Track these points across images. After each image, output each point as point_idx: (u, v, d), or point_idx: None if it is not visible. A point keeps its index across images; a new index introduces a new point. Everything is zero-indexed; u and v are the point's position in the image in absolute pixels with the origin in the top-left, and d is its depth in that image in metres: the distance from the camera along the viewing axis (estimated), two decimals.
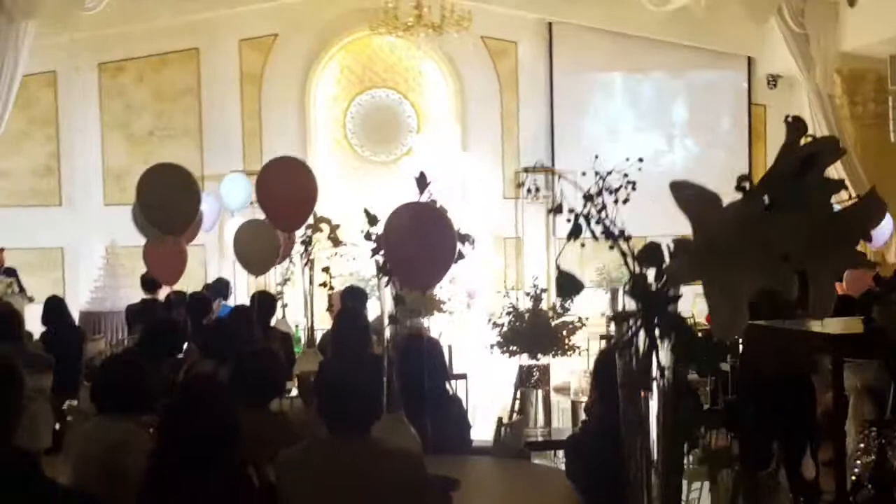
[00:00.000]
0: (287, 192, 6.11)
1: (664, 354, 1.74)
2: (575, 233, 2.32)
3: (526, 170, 15.30)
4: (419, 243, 4.13)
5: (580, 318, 5.96)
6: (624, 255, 1.99)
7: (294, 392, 6.87)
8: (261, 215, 13.17)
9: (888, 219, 11.38)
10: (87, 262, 14.07)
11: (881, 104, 13.85)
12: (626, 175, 2.67)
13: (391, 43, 14.99)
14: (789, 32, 13.84)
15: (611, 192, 2.84)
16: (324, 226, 7.46)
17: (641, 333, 1.80)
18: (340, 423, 3.66)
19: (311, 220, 7.76)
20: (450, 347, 8.53)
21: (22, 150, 14.72)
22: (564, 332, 5.79)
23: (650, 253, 1.82)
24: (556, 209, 2.31)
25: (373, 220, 4.94)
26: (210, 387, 3.86)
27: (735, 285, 1.58)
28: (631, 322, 1.82)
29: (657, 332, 1.76)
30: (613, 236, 2.13)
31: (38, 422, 7.12)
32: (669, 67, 15.72)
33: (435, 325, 8.68)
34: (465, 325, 10.14)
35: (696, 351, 1.72)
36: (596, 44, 15.49)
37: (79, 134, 14.88)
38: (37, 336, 9.47)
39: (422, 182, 4.15)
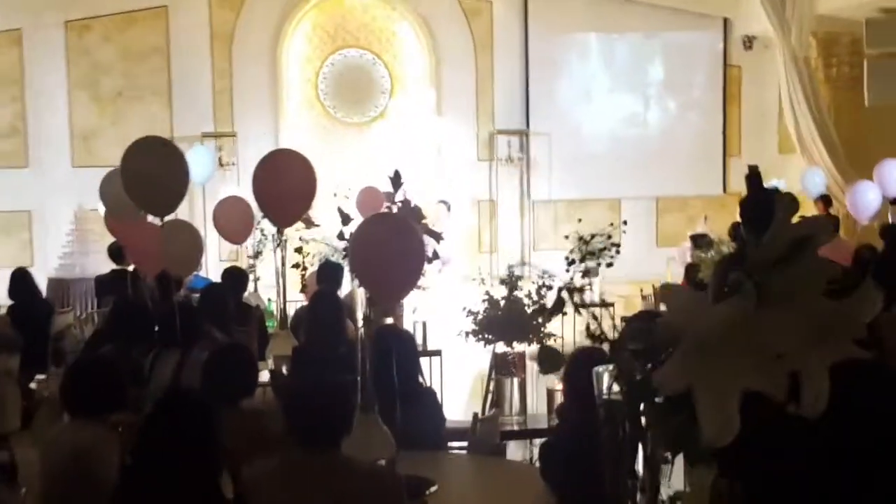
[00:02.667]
0: (286, 189, 5.95)
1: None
2: (558, 307, 2.23)
3: (500, 132, 15.20)
4: (387, 263, 4.03)
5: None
6: (601, 337, 1.88)
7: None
8: (227, 182, 13.25)
9: (876, 191, 11.37)
10: (56, 227, 13.86)
11: (856, 67, 13.81)
12: (609, 237, 2.58)
13: (364, 2, 14.79)
14: None
15: (594, 255, 2.75)
16: None
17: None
18: (310, 441, 3.60)
19: None
20: (424, 325, 8.48)
21: None
22: (540, 320, 5.73)
23: (637, 333, 1.74)
24: None
25: (345, 219, 4.83)
26: (190, 402, 3.78)
27: (726, 388, 1.51)
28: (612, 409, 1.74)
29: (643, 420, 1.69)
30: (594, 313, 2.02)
31: (5, 404, 7.03)
32: (645, 28, 15.58)
33: (409, 302, 8.65)
34: (439, 293, 10.07)
35: (685, 442, 1.65)
36: (571, 4, 15.33)
37: (45, 94, 14.57)
38: (3, 307, 9.36)
39: (396, 181, 4.05)
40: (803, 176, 12.96)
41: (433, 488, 4.29)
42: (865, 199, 11.29)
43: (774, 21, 13.88)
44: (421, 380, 5.27)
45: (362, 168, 13.90)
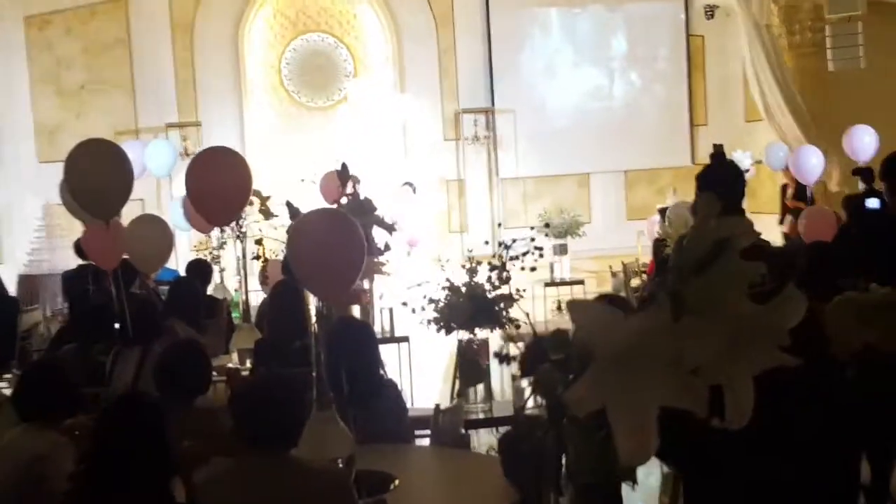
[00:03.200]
0: (218, 187, 5.91)
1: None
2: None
3: (466, 110, 15.17)
4: (323, 260, 4.00)
5: (518, 290, 5.88)
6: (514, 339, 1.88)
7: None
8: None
9: (818, 155, 11.41)
10: (24, 223, 13.77)
11: (818, 33, 13.80)
12: (532, 240, 2.56)
13: None
14: None
15: (515, 259, 2.75)
16: (254, 199, 7.29)
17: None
18: (259, 443, 3.59)
19: None
20: (391, 311, 8.46)
21: None
22: (502, 305, 5.72)
23: (559, 343, 1.74)
24: None
25: (293, 213, 4.80)
26: (141, 406, 3.76)
27: (642, 406, 1.50)
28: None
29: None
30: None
31: None
32: (606, 1, 15.56)
33: (376, 287, 8.63)
34: (407, 277, 10.04)
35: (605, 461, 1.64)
36: None
37: (7, 89, 14.45)
38: None
39: (343, 174, 4.02)
40: (767, 150, 12.97)
41: (395, 483, 4.28)
42: (809, 164, 11.34)
43: None
44: (382, 372, 5.24)
45: (328, 152, 13.83)
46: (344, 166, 4.36)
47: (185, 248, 12.69)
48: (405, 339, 8.30)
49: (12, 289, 12.12)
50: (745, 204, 13.42)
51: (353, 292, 7.85)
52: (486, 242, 7.35)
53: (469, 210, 15.23)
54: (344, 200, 6.50)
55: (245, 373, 6.40)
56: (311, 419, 3.98)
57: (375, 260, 8.40)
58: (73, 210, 7.19)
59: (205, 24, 14.79)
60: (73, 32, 14.63)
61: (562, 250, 12.27)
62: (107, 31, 14.67)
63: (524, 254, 5.52)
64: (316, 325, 4.39)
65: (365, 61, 15.25)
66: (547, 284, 12.10)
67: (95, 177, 6.24)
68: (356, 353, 4.99)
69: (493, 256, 5.86)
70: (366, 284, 8.27)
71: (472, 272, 5.82)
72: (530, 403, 1.74)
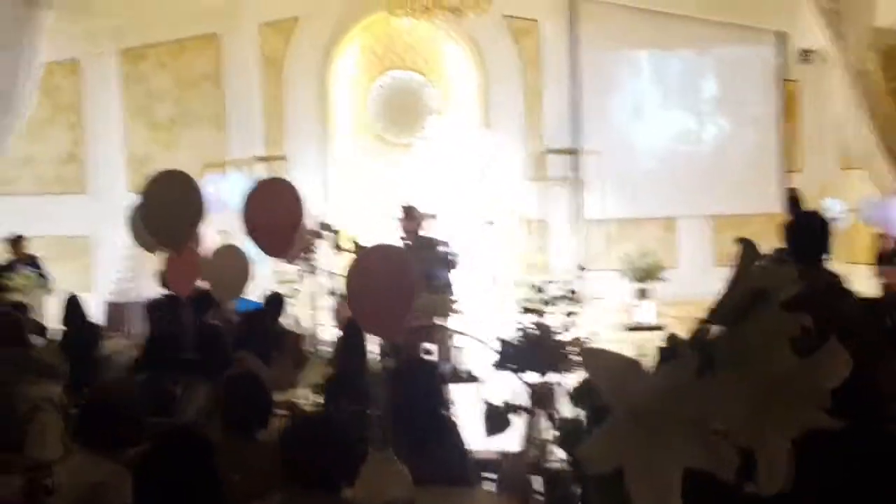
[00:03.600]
0: (271, 219, 5.92)
1: None
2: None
3: (550, 150, 15.08)
4: (376, 298, 3.94)
5: (589, 335, 5.78)
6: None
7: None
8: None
9: None
10: (113, 251, 13.97)
11: None
12: (573, 291, 2.47)
13: (411, 24, 14.77)
14: (820, 7, 13.47)
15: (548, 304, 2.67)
16: (325, 233, 7.29)
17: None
18: (307, 482, 3.52)
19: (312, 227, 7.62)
20: (462, 350, 8.38)
21: (46, 137, 14.67)
22: (571, 348, 5.59)
23: (584, 393, 1.64)
24: None
25: (360, 250, 4.76)
26: (189, 440, 3.72)
27: (664, 469, 1.39)
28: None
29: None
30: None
31: (46, 432, 7.03)
32: (697, 44, 15.39)
33: (452, 325, 8.56)
34: (485, 316, 9.97)
35: None
36: (621, 20, 15.19)
37: (101, 121, 14.82)
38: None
39: (409, 212, 3.96)
40: (861, 203, 12.56)
41: None
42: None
43: (830, 34, 13.58)
44: (445, 412, 5.15)
45: (412, 189, 13.85)
46: (408, 208, 4.32)
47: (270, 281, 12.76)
48: (475, 378, 8.20)
49: (99, 316, 12.31)
50: (840, 254, 13.16)
51: (423, 330, 7.84)
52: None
53: (551, 251, 15.08)
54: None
55: (308, 408, 6.36)
56: (368, 459, 3.92)
57: (451, 300, 8.37)
58: (139, 239, 7.26)
59: (294, 61, 14.96)
60: (166, 66, 14.90)
61: (643, 294, 12.07)
62: (198, 65, 14.93)
63: (559, 298, 5.43)
64: (378, 364, 4.33)
65: (451, 99, 15.26)
66: (629, 329, 11.92)
67: (166, 206, 6.27)
68: (418, 393, 4.90)
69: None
70: (438, 322, 8.24)
71: (541, 315, 5.74)
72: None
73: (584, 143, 15.13)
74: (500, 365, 5.58)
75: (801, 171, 15.41)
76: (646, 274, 12.36)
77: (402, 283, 3.99)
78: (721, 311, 1.63)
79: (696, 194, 14.98)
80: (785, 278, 1.62)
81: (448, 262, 6.25)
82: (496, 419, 1.99)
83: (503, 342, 4.77)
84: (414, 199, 12.65)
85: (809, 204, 11.52)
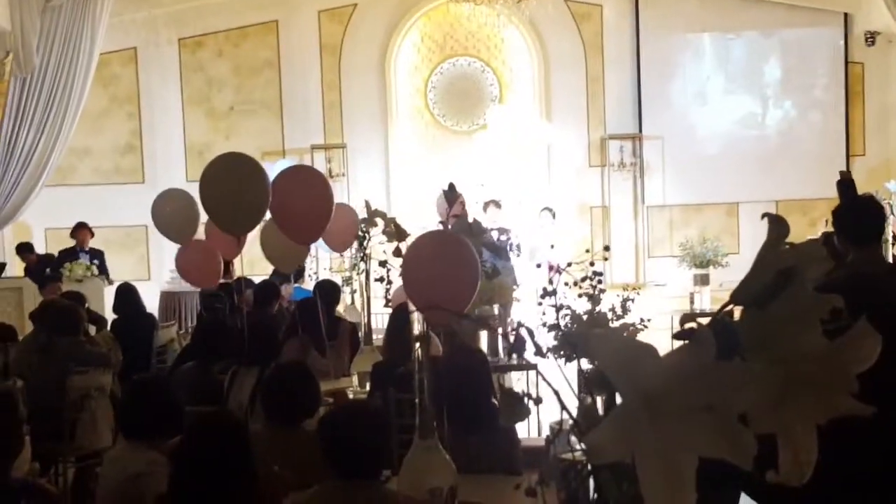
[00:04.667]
0: (302, 206, 5.84)
1: None
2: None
3: (612, 136, 14.90)
4: (436, 285, 3.85)
5: (642, 320, 5.63)
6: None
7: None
8: (337, 192, 13.27)
9: None
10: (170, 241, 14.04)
11: None
12: (592, 264, 2.36)
13: (471, 10, 14.63)
14: None
15: (575, 285, 2.57)
16: (378, 220, 7.20)
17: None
18: (343, 471, 3.44)
19: (365, 214, 7.52)
20: (519, 338, 8.25)
21: (104, 128, 14.79)
22: (626, 335, 5.45)
23: (599, 379, 1.53)
24: None
25: (402, 234, 4.67)
26: (222, 423, 3.66)
27: (677, 457, 1.28)
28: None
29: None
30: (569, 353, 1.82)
31: (97, 420, 7.07)
32: (761, 26, 15.11)
33: (513, 313, 8.44)
34: (543, 302, 9.83)
35: None
36: (683, 4, 14.97)
37: (160, 110, 14.90)
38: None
39: (450, 195, 3.86)
40: None
41: None
42: None
43: (895, 15, 13.28)
44: (494, 400, 5.05)
45: (472, 176, 13.75)
46: (451, 186, 4.20)
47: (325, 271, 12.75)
48: (533, 366, 8.06)
49: (155, 304, 12.38)
50: None
51: (481, 319, 7.71)
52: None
53: (613, 237, 14.91)
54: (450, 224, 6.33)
55: (357, 396, 6.29)
56: (413, 447, 3.83)
57: (510, 287, 8.24)
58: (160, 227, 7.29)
59: (353, 47, 14.91)
60: (225, 54, 14.94)
61: (703, 280, 11.84)
62: (257, 53, 14.94)
63: (582, 279, 5.28)
64: (420, 351, 4.23)
65: (511, 86, 15.13)
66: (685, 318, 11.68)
67: (230, 192, 6.16)
68: (467, 380, 4.81)
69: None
70: (496, 310, 8.10)
71: (595, 300, 5.61)
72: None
73: (646, 129, 14.93)
74: (553, 351, 5.48)
75: (863, 155, 15.08)
76: (706, 261, 12.12)
77: (460, 270, 3.89)
78: (746, 292, 1.51)
79: (759, 179, 14.70)
80: (815, 257, 1.50)
81: (496, 248, 6.12)
82: (513, 407, 1.88)
83: (555, 328, 4.65)
84: (474, 186, 12.58)
85: (872, 187, 11.22)
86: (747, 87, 15.20)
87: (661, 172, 14.93)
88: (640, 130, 14.93)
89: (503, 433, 4.92)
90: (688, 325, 1.41)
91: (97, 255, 12.78)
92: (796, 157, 14.86)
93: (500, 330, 8.16)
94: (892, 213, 9.58)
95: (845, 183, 5.86)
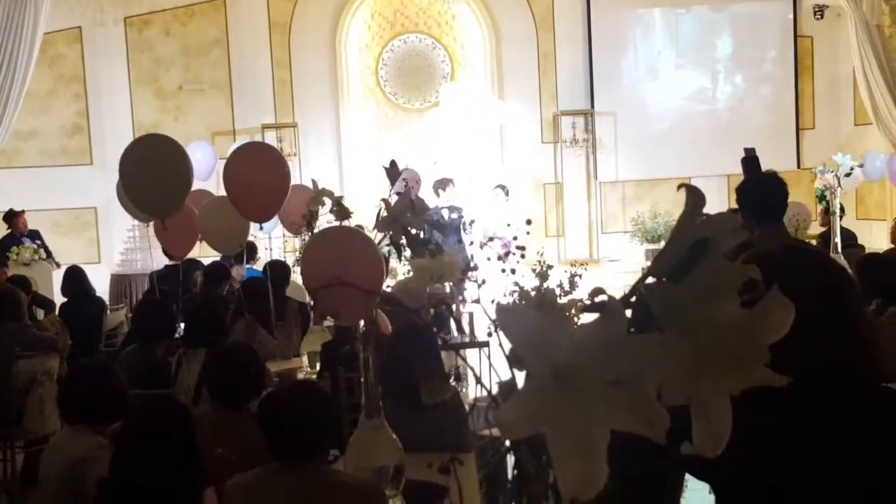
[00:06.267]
0: (257, 183, 5.79)
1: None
2: None
3: (564, 113, 14.89)
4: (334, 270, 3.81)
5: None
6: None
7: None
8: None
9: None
10: (120, 223, 13.87)
11: None
12: (515, 238, 2.33)
13: None
14: None
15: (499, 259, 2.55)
16: (326, 199, 7.10)
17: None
18: (284, 453, 3.40)
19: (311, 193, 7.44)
20: (471, 315, 8.25)
21: (50, 109, 14.54)
22: (573, 311, 5.45)
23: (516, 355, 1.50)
24: None
25: (345, 213, 4.61)
26: (163, 406, 3.62)
27: (589, 431, 1.25)
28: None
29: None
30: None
31: (45, 405, 6.99)
32: (711, 1, 15.12)
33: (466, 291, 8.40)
34: (498, 282, 9.84)
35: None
36: None
37: (107, 91, 14.66)
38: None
39: (392, 172, 3.80)
40: (865, 158, 12.27)
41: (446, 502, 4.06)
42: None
43: None
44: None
45: (425, 154, 13.70)
46: (392, 163, 4.12)
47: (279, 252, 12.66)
48: (485, 344, 8.05)
49: (106, 288, 12.24)
50: (854, 210, 12.91)
51: (432, 296, 7.68)
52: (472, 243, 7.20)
53: (567, 214, 14.92)
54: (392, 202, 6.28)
55: (308, 376, 6.25)
56: (358, 426, 3.80)
57: (457, 262, 8.20)
58: (127, 208, 7.16)
59: (302, 25, 14.78)
60: (172, 33, 14.75)
61: (655, 255, 11.89)
62: (205, 32, 14.76)
63: (505, 255, 5.28)
64: (363, 329, 4.19)
65: (463, 62, 15.08)
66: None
67: (152, 174, 6.11)
68: (413, 358, 4.78)
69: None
70: (447, 287, 8.08)
71: (544, 277, 5.59)
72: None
73: (598, 105, 14.94)
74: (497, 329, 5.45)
75: (813, 129, 15.18)
76: (658, 236, 12.16)
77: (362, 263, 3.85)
78: (662, 264, 1.48)
79: (712, 153, 14.74)
80: (729, 226, 1.47)
81: (439, 226, 6.10)
82: (434, 385, 1.85)
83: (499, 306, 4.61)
84: (427, 164, 12.52)
85: (821, 160, 11.33)
86: (698, 62, 15.23)
87: (613, 148, 14.95)
88: (593, 106, 14.93)
89: (452, 411, 4.90)
90: (598, 298, 1.39)
91: (35, 235, 12.59)
92: (747, 131, 14.86)
93: (454, 308, 8.13)
94: (840, 185, 9.62)
95: (750, 160, 5.89)
